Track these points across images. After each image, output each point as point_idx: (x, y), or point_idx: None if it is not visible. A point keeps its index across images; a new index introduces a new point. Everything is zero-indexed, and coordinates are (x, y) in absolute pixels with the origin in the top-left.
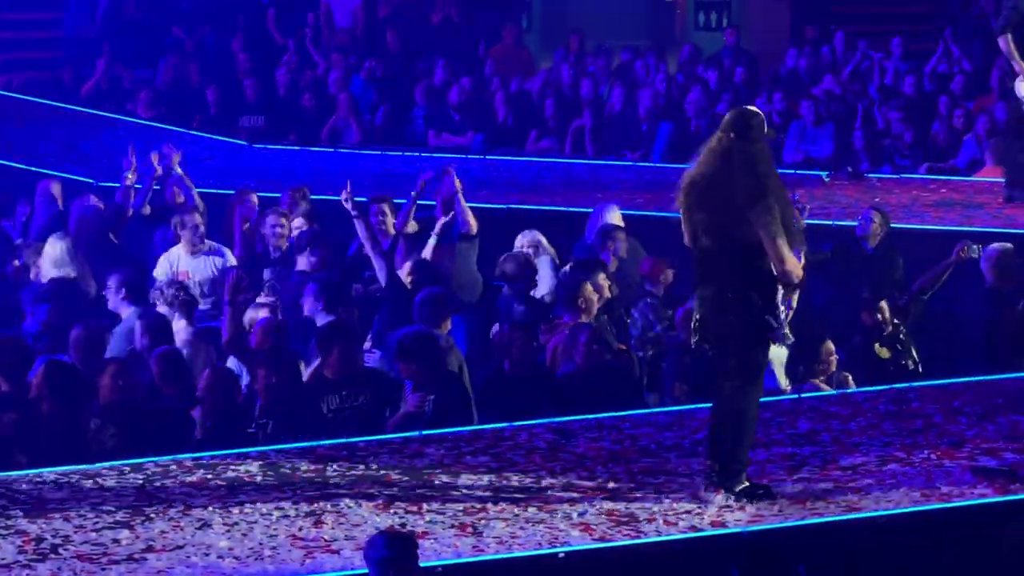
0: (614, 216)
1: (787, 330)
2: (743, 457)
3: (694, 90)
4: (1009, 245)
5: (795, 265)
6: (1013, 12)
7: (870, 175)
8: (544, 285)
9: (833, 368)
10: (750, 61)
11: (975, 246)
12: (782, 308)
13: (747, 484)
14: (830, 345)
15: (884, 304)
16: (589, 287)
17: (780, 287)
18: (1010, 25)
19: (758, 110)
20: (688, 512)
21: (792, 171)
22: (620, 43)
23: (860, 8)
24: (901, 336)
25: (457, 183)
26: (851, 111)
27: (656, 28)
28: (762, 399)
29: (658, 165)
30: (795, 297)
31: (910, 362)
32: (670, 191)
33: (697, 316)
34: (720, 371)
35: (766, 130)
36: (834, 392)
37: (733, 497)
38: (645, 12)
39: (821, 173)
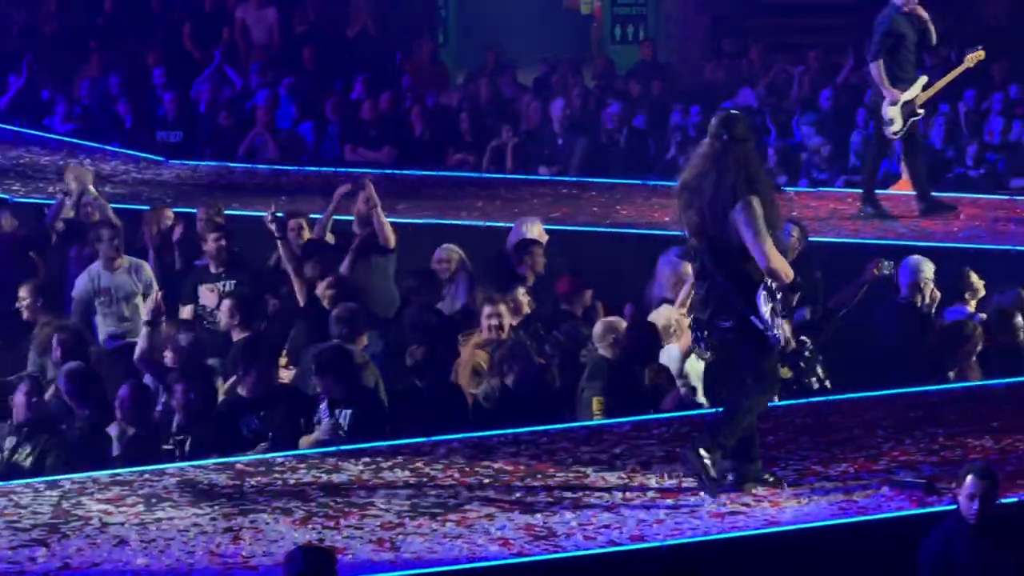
0: (533, 230)
1: (780, 332)
2: (728, 443)
3: (611, 104)
4: (922, 259)
5: (782, 264)
6: (884, 39)
7: (787, 188)
8: (460, 299)
9: None
10: (666, 75)
11: (887, 263)
12: (767, 309)
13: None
14: None
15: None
16: (502, 305)
17: (764, 289)
18: (882, 51)
19: (739, 112)
20: (607, 527)
21: None
22: (536, 56)
23: (777, 21)
24: (806, 354)
25: (374, 197)
26: (769, 124)
27: (573, 42)
28: (679, 414)
29: (575, 179)
30: (794, 299)
31: (814, 380)
32: (588, 204)
33: (692, 316)
34: (733, 375)
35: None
36: None
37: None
38: (562, 26)
39: None
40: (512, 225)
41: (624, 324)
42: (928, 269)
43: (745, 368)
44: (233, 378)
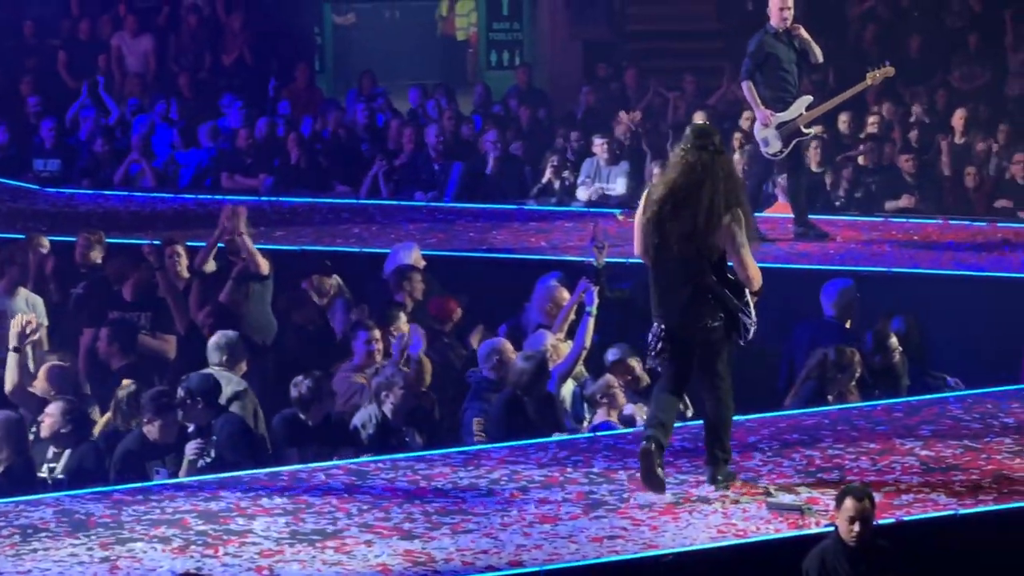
0: (411, 257)
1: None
2: (730, 448)
3: (487, 130)
4: (850, 281)
5: (757, 272)
6: (753, 59)
7: None
8: (337, 326)
9: (622, 403)
10: (543, 100)
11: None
12: (753, 309)
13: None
14: (612, 379)
15: (635, 362)
16: (378, 331)
17: (748, 292)
18: (751, 72)
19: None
20: (485, 552)
21: (586, 209)
22: (412, 83)
23: (650, 45)
24: None
25: (236, 226)
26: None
27: (449, 68)
28: (557, 438)
29: (451, 205)
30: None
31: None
32: (464, 231)
33: (661, 327)
34: (707, 370)
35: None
36: (630, 429)
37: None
38: (437, 52)
39: (615, 211)
40: (389, 251)
41: (509, 346)
42: (846, 289)
43: (716, 367)
44: (110, 412)
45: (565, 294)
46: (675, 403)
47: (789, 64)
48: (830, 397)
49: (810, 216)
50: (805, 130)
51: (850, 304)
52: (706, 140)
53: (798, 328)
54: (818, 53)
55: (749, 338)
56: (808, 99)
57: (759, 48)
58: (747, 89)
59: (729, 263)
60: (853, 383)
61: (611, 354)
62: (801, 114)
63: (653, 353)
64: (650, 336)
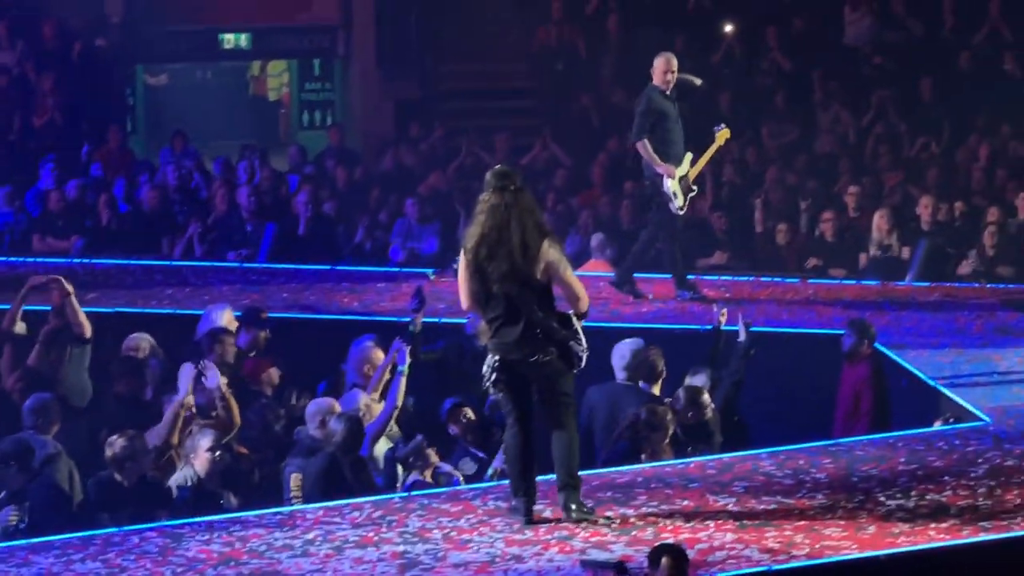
0: (224, 319)
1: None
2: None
3: (300, 190)
4: (640, 341)
5: (585, 293)
6: (643, 118)
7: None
8: (150, 388)
9: (434, 462)
10: (354, 160)
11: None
12: (582, 335)
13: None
14: (423, 441)
15: (468, 409)
16: (190, 397)
17: (575, 318)
18: (644, 131)
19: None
20: None
21: (399, 269)
22: (225, 143)
23: (463, 104)
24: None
25: (68, 287)
26: (458, 208)
27: (262, 128)
28: (372, 498)
29: (264, 265)
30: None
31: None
32: (277, 291)
33: (496, 358)
34: (548, 402)
35: None
36: (444, 488)
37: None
38: (250, 112)
39: (428, 271)
40: (202, 312)
41: (337, 407)
42: (639, 350)
43: (558, 399)
44: None
45: (380, 354)
46: (527, 454)
47: (675, 120)
48: (644, 456)
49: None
50: (693, 186)
51: (642, 364)
52: (506, 181)
53: (593, 391)
54: (696, 80)
55: (582, 365)
56: (691, 156)
57: (649, 106)
58: (643, 147)
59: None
60: (667, 441)
61: (447, 402)
62: (688, 171)
63: (489, 383)
64: (485, 367)
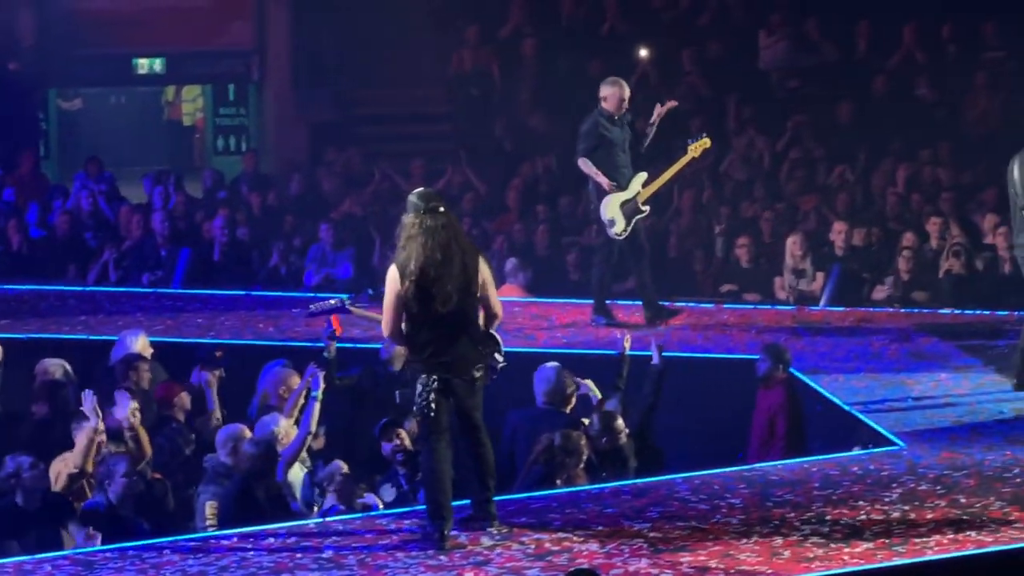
0: (138, 344)
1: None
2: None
3: (214, 215)
4: (557, 364)
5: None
6: (585, 140)
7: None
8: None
9: (355, 491)
10: (269, 184)
11: None
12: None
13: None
14: (341, 464)
15: (403, 431)
16: (102, 423)
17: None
18: (586, 152)
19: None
20: None
21: (313, 294)
22: (139, 168)
23: (378, 129)
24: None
25: None
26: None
27: (176, 153)
28: (287, 524)
29: (179, 291)
30: None
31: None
32: (192, 317)
33: (434, 378)
34: (472, 417)
35: None
36: (359, 515)
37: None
38: (164, 137)
39: (343, 296)
40: (116, 338)
41: (248, 432)
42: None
43: (477, 411)
44: None
45: (296, 379)
46: (448, 473)
47: (623, 145)
48: (559, 481)
49: (539, 300)
50: (643, 207)
51: (562, 388)
52: (435, 202)
53: (514, 415)
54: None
55: (495, 376)
56: (643, 176)
57: (592, 131)
58: (584, 164)
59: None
60: (581, 466)
61: (383, 420)
62: (638, 192)
63: (424, 403)
64: (420, 388)
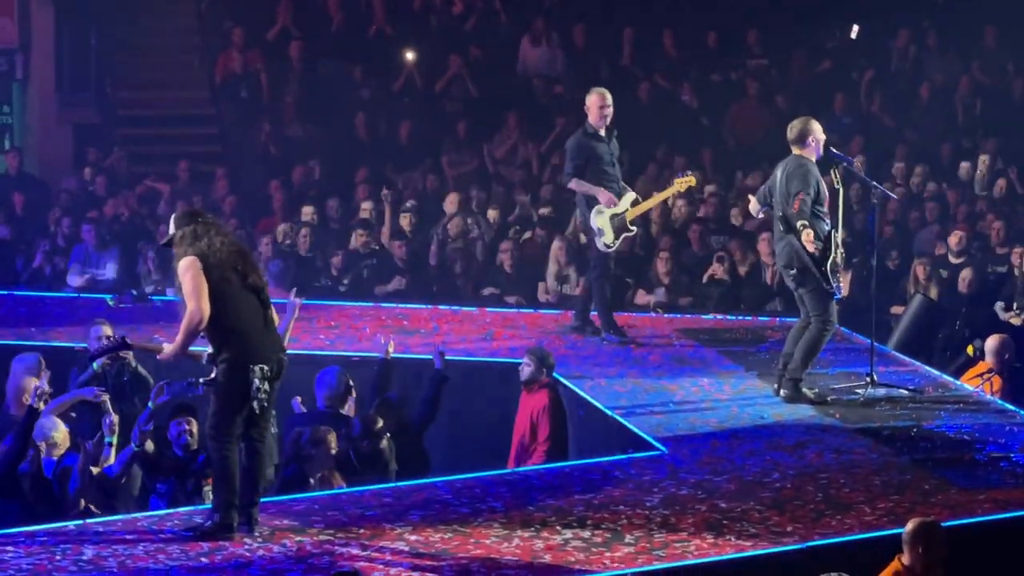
0: None
1: None
2: None
3: None
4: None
5: None
6: (574, 160)
7: (153, 297)
8: None
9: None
10: (33, 184)
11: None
12: None
13: None
14: None
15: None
16: None
17: None
18: (575, 172)
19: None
20: None
21: (77, 295)
22: None
23: (142, 131)
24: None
25: None
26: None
27: None
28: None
29: None
30: None
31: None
32: None
33: (266, 367)
34: (265, 410)
35: None
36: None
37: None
38: None
39: (107, 296)
40: None
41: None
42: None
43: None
44: None
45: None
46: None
47: (611, 160)
48: (312, 480)
49: (307, 302)
50: (631, 227)
51: (342, 391)
52: (200, 213)
53: (299, 419)
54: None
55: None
56: (633, 195)
57: (578, 149)
58: (576, 184)
59: None
60: (335, 468)
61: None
62: (627, 209)
63: (261, 395)
64: (256, 381)
